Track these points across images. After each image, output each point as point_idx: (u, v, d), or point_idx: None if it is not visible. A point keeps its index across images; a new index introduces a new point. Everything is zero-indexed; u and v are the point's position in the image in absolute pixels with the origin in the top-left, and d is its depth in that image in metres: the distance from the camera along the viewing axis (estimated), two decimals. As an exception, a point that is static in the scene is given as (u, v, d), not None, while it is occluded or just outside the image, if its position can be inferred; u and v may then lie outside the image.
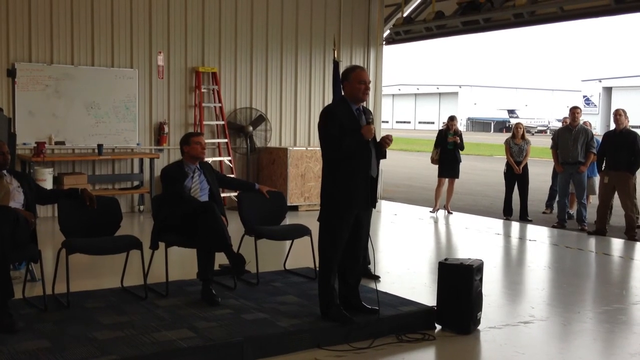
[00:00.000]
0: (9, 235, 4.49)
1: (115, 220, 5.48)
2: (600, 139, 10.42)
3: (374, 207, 4.86)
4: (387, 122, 71.98)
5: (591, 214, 10.12)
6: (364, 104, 4.91)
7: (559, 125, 14.90)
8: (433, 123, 77.04)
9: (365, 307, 4.89)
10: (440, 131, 11.69)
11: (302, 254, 6.23)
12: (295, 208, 11.02)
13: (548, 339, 4.98)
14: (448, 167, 11.27)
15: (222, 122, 11.28)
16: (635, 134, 9.37)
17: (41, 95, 9.82)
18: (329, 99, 11.39)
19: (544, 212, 11.74)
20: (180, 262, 6.20)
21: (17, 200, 4.95)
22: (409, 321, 4.89)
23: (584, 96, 68.54)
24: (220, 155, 11.34)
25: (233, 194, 9.74)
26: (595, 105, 66.81)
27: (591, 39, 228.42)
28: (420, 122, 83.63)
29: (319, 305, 4.79)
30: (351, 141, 4.60)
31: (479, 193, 15.43)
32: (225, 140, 11.30)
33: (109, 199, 5.66)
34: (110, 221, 5.44)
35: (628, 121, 9.50)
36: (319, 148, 4.97)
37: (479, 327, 4.98)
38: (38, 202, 5.25)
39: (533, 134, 55.29)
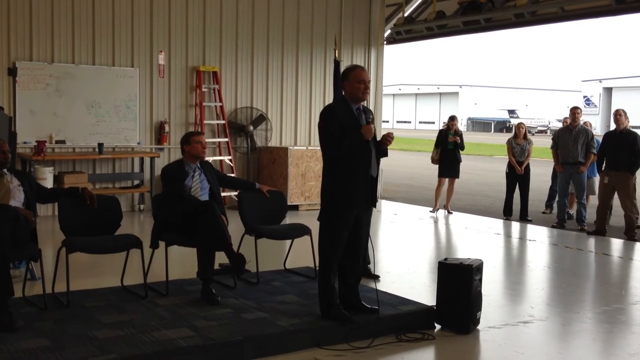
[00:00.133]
0: (9, 234, 4.50)
1: (115, 219, 5.48)
2: (600, 139, 10.43)
3: (374, 207, 4.86)
4: (387, 121, 71.90)
5: (591, 214, 10.12)
6: (364, 103, 4.92)
7: (559, 125, 14.92)
8: (433, 123, 77.00)
9: (365, 306, 4.89)
10: (440, 131, 11.69)
11: (302, 254, 6.24)
12: (295, 207, 11.02)
13: (547, 339, 4.98)
14: (448, 167, 11.27)
15: (223, 122, 11.29)
16: (635, 134, 9.38)
17: (42, 94, 9.83)
18: (329, 99, 11.39)
19: (543, 212, 11.74)
20: (181, 261, 6.19)
21: (17, 199, 4.96)
22: (408, 321, 4.89)
23: (584, 96, 68.52)
24: (220, 155, 11.34)
25: (233, 194, 9.75)
26: (595, 106, 66.78)
27: (592, 39, 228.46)
28: (420, 122, 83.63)
29: (319, 304, 4.79)
30: (351, 141, 4.60)
31: (479, 193, 15.43)
32: (226, 139, 11.31)
33: (110, 198, 5.67)
34: (110, 220, 5.45)
35: (628, 121, 9.50)
36: (319, 147, 4.96)
37: (479, 327, 4.98)
38: (38, 201, 5.25)
39: (533, 134, 55.08)
